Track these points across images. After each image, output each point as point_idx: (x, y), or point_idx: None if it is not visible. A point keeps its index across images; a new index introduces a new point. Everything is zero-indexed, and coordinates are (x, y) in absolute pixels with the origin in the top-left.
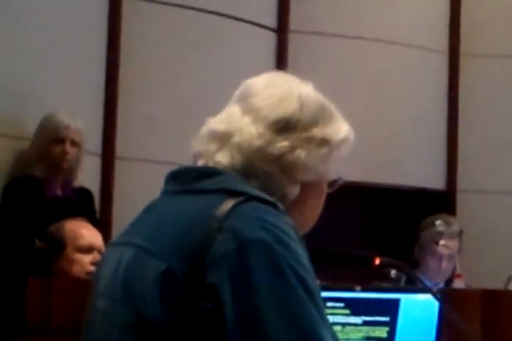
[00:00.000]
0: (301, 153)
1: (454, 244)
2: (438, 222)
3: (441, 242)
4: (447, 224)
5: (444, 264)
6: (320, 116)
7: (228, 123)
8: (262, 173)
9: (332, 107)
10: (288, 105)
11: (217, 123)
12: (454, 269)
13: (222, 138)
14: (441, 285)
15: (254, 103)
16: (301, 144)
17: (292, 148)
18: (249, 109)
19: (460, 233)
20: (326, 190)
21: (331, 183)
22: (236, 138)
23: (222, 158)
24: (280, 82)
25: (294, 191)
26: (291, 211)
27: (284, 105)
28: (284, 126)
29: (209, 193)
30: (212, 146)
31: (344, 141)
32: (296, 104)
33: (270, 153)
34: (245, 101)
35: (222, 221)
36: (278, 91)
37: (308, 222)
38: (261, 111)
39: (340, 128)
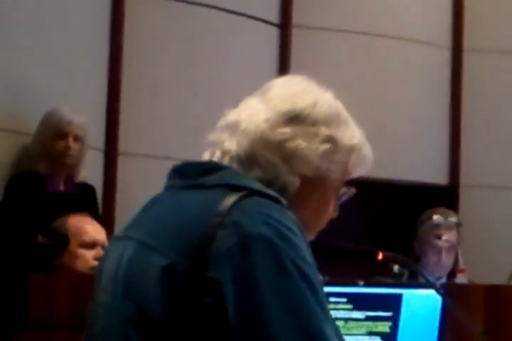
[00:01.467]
0: (301, 143)
1: (452, 235)
2: (435, 215)
3: (444, 237)
4: (444, 216)
5: (444, 257)
6: (333, 119)
7: (242, 113)
8: (264, 160)
9: (348, 116)
10: (302, 100)
11: (232, 114)
12: (456, 263)
13: (233, 126)
14: (444, 280)
15: (269, 94)
16: (304, 136)
17: (293, 137)
18: (263, 100)
19: (458, 225)
20: (332, 196)
21: (341, 194)
22: (244, 124)
23: (230, 145)
24: (300, 81)
25: (293, 182)
26: (292, 206)
27: (298, 99)
28: (292, 118)
29: (211, 188)
30: (224, 135)
31: (355, 148)
32: (311, 101)
33: (272, 138)
34: (263, 94)
35: (224, 216)
36: (296, 87)
37: (309, 222)
38: (274, 101)
39: (353, 134)
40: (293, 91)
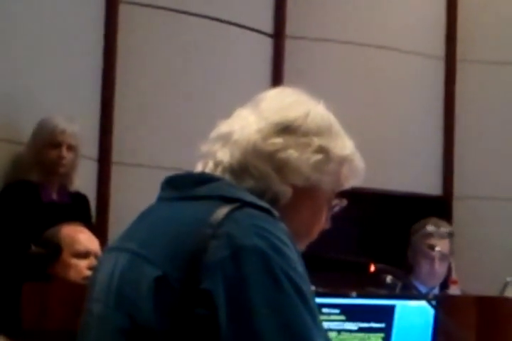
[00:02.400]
0: (293, 154)
1: (444, 244)
2: (428, 225)
3: (437, 248)
4: (437, 225)
5: (437, 266)
6: (325, 130)
7: (234, 124)
8: (256, 171)
9: (340, 127)
10: (294, 111)
11: (224, 125)
12: (449, 273)
13: (226, 137)
14: (437, 291)
15: (261, 106)
16: (296, 146)
17: (285, 147)
18: (255, 111)
19: (450, 235)
20: (324, 207)
21: (333, 205)
22: (236, 135)
23: (223, 156)
24: (292, 93)
25: (285, 192)
26: (283, 217)
27: (290, 110)
28: (284, 128)
29: (204, 199)
30: (216, 146)
31: (347, 158)
32: (303, 112)
33: (264, 148)
34: (255, 105)
35: (216, 227)
36: (288, 99)
37: (300, 232)
38: (266, 112)
39: (345, 146)
40: (285, 102)
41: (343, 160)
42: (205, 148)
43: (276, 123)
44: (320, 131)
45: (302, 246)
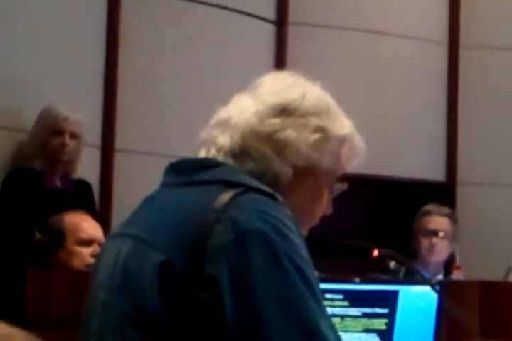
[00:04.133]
0: (291, 134)
1: (444, 222)
2: (429, 205)
3: (436, 225)
4: (437, 206)
5: (435, 240)
6: (322, 110)
7: (232, 109)
8: (256, 152)
9: (337, 108)
10: (290, 93)
11: (223, 111)
12: (453, 259)
13: (225, 122)
14: (441, 276)
15: (258, 90)
16: (294, 126)
17: (283, 127)
18: (253, 96)
19: (451, 215)
20: (325, 189)
21: (333, 189)
22: (235, 119)
23: (223, 140)
24: (288, 76)
25: (286, 172)
26: (284, 198)
27: (287, 92)
28: (281, 110)
29: (208, 185)
30: (216, 131)
31: (346, 137)
32: (299, 93)
33: (262, 130)
34: (252, 90)
35: (220, 212)
36: (284, 82)
37: (302, 215)
38: (263, 95)
39: (343, 125)
40: (281, 85)
41: (342, 140)
42: (205, 134)
43: (274, 106)
44: (317, 112)
45: (304, 231)
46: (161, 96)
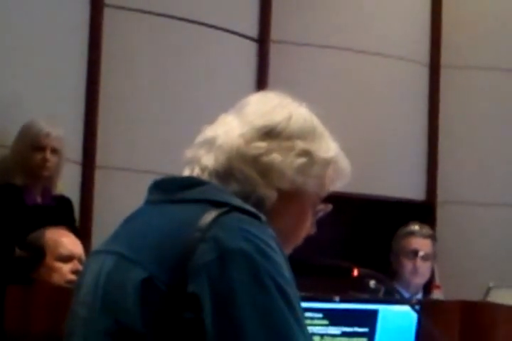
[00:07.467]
0: (277, 157)
1: (426, 244)
2: (410, 225)
3: (419, 247)
4: (419, 226)
5: (420, 263)
6: (308, 132)
7: (218, 129)
8: (240, 175)
9: (324, 129)
10: (276, 115)
11: (209, 131)
12: (432, 278)
13: (210, 142)
14: (420, 296)
15: (245, 111)
16: (280, 150)
17: (269, 151)
18: (239, 116)
19: (433, 237)
20: (309, 211)
21: (317, 211)
22: (220, 140)
23: (207, 161)
24: (275, 97)
25: (270, 196)
26: (269, 220)
27: (273, 114)
28: (267, 132)
29: (192, 203)
30: (201, 151)
31: (331, 161)
32: (285, 115)
33: (247, 152)
34: (239, 110)
35: (204, 231)
36: (270, 103)
37: (286, 236)
38: (249, 116)
39: (329, 148)
40: (268, 106)
41: (327, 163)
42: (190, 153)
43: (259, 128)
44: (303, 134)
45: (288, 251)
46: (143, 112)
